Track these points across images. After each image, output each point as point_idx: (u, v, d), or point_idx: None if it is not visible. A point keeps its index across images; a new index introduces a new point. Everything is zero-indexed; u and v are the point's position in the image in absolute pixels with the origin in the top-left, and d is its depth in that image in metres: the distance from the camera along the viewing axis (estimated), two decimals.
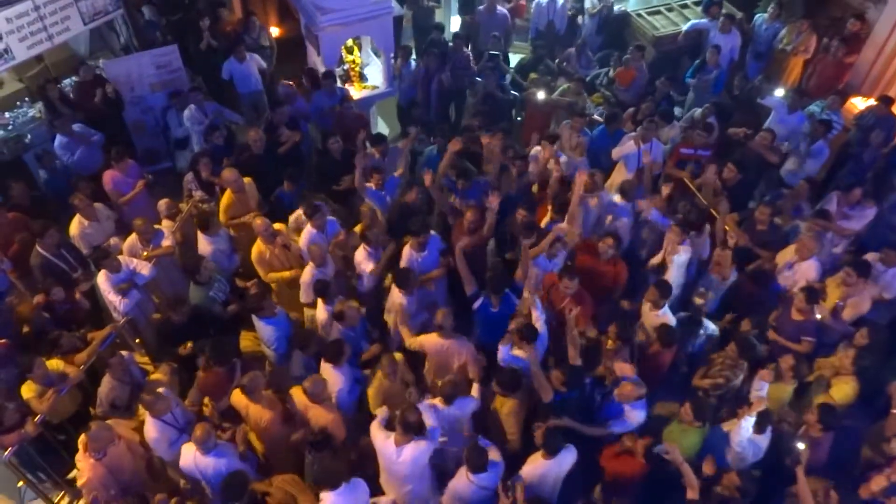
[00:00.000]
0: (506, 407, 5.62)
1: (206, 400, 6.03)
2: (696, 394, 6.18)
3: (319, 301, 6.34)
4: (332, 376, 5.78)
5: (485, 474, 5.00)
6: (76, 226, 7.17)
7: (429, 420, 5.18)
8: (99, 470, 5.30)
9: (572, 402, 5.66)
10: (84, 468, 5.30)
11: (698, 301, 6.60)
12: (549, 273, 6.60)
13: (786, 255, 6.94)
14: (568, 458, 5.20)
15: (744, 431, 5.43)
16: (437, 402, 5.50)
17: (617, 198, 7.36)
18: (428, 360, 6.31)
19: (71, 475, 5.90)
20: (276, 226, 6.85)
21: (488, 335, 6.36)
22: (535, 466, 5.19)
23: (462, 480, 5.08)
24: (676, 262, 6.71)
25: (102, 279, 6.48)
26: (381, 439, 5.24)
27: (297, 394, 5.60)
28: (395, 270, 6.49)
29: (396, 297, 6.43)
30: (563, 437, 5.17)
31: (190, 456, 5.25)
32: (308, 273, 6.61)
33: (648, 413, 5.73)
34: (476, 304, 6.37)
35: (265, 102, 9.68)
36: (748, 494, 5.14)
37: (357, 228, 6.97)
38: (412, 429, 5.04)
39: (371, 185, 7.34)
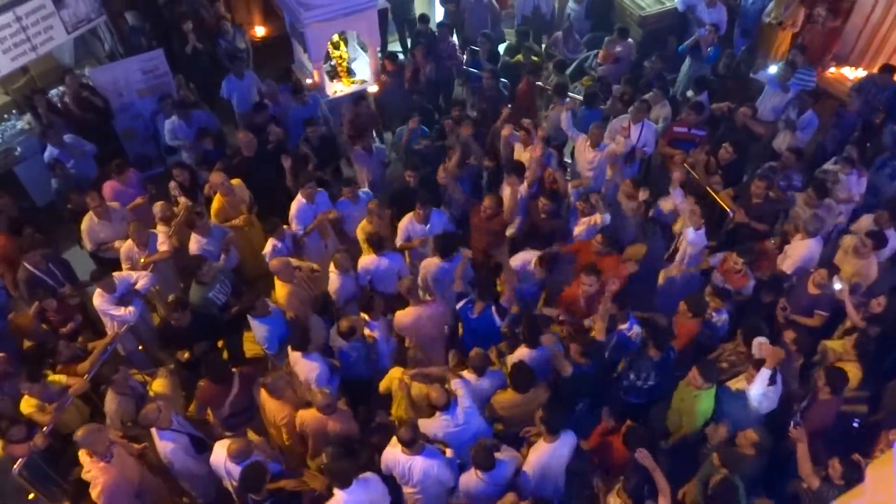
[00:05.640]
0: (504, 395, 5.63)
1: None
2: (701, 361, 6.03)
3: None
4: (305, 364, 5.84)
5: (494, 471, 5.04)
6: (86, 221, 7.16)
7: (460, 394, 5.37)
8: (111, 471, 5.25)
9: (590, 375, 5.72)
10: (96, 474, 5.23)
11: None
12: (568, 288, 6.54)
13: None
14: (569, 440, 5.24)
15: (759, 385, 5.45)
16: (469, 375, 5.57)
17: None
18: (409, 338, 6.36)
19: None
20: (294, 261, 6.70)
21: (468, 339, 6.37)
22: (540, 453, 5.20)
23: (472, 478, 5.12)
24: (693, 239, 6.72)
25: (98, 300, 6.41)
26: (389, 452, 5.27)
27: (309, 414, 5.56)
28: (435, 238, 6.53)
29: (432, 263, 6.50)
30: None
31: (220, 459, 5.28)
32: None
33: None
34: (460, 304, 6.37)
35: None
36: (765, 450, 5.18)
37: (362, 225, 6.99)
38: (408, 444, 5.09)
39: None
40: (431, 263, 6.58)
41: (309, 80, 9.51)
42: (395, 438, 5.25)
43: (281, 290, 6.51)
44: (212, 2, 10.29)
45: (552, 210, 6.92)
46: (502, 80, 9.20)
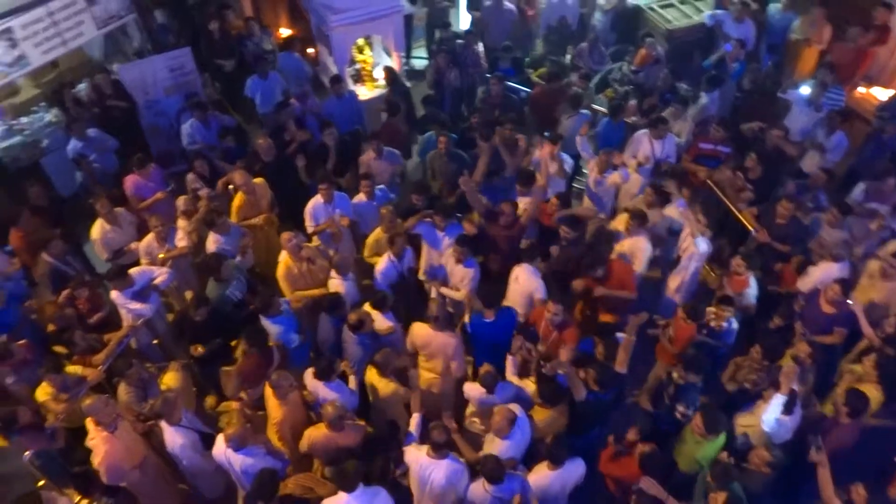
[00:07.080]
0: (542, 415, 5.57)
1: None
2: (707, 406, 5.69)
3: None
4: (326, 393, 5.71)
5: (502, 485, 4.97)
6: (98, 230, 7.20)
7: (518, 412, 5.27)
8: (114, 442, 5.27)
9: (604, 403, 5.61)
10: (98, 443, 5.24)
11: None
12: (536, 308, 6.41)
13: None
14: (575, 470, 5.17)
15: (772, 410, 5.34)
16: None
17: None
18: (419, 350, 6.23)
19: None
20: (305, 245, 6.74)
21: (481, 352, 6.29)
22: (540, 477, 5.16)
23: (479, 489, 5.08)
24: (699, 246, 6.64)
25: (116, 293, 6.48)
26: (413, 452, 5.23)
27: (317, 433, 5.45)
28: (458, 238, 6.50)
29: (459, 270, 6.52)
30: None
31: (221, 449, 5.27)
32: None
33: None
34: (467, 317, 6.28)
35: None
36: (777, 467, 5.08)
37: (375, 233, 6.98)
38: (441, 448, 5.05)
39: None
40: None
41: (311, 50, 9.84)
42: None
43: (283, 263, 6.60)
44: (225, 7, 10.24)
45: (573, 239, 6.79)
46: (523, 89, 9.17)
